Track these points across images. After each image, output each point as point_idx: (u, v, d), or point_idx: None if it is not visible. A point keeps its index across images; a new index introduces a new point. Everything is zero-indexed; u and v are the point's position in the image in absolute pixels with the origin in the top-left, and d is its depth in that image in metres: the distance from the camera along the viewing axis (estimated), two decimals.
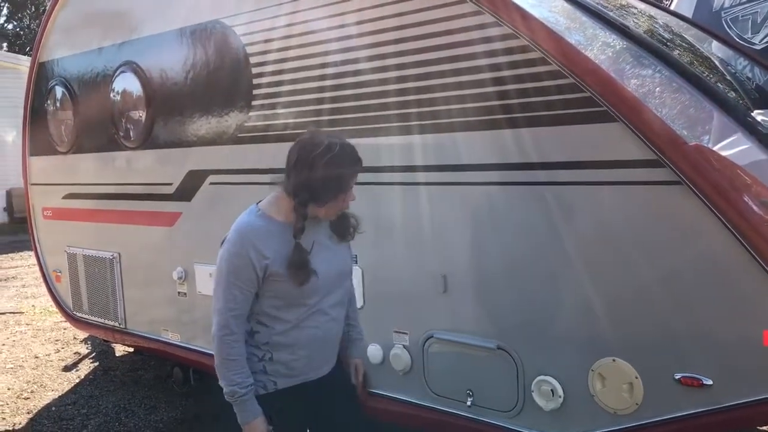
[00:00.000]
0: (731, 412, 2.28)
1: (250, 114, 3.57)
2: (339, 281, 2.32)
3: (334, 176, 2.12)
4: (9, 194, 15.67)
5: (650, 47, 2.82)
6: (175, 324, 4.26)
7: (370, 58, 3.03)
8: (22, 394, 5.09)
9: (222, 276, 2.17)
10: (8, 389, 5.21)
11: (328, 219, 2.26)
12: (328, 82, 3.19)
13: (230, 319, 2.16)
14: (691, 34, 3.72)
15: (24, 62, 14.68)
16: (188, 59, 3.88)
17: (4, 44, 28.65)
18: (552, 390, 2.65)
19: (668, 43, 3.19)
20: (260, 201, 2.27)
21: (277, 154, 3.44)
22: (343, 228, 2.31)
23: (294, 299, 2.20)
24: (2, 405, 4.89)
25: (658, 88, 2.60)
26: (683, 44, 3.42)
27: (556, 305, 2.64)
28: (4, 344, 6.43)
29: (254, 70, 3.51)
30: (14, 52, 23.93)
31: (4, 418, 4.66)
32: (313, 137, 2.19)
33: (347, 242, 2.35)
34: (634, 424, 2.48)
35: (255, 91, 3.53)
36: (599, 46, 2.71)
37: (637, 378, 2.45)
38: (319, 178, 2.11)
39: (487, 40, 2.68)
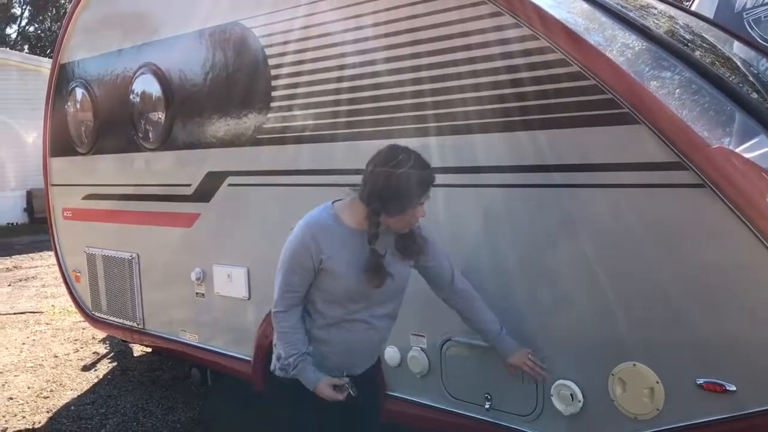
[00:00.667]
0: (754, 419, 2.24)
1: (269, 115, 3.58)
2: (390, 295, 2.41)
3: (402, 190, 2.24)
4: (30, 195, 15.84)
5: (671, 48, 2.79)
6: (193, 325, 4.28)
7: (388, 60, 3.02)
8: (41, 393, 5.13)
9: (284, 259, 2.35)
10: (28, 388, 5.25)
11: (398, 231, 2.34)
12: (345, 84, 3.18)
13: (283, 299, 2.36)
14: (712, 35, 3.68)
15: (45, 64, 14.86)
16: (207, 61, 3.90)
17: (26, 46, 28.98)
18: (571, 394, 2.63)
19: (689, 44, 3.16)
20: (337, 200, 2.40)
21: (296, 156, 3.49)
22: (406, 246, 2.39)
23: (338, 298, 2.33)
24: (22, 404, 4.94)
25: (679, 90, 2.57)
26: (704, 45, 3.38)
27: (576, 308, 2.62)
28: (24, 343, 6.49)
29: (273, 72, 3.52)
30: (36, 54, 24.19)
31: (24, 417, 4.70)
32: (391, 150, 2.31)
33: (409, 260, 2.43)
34: (654, 430, 2.45)
35: (273, 93, 3.53)
36: (620, 48, 2.68)
37: (658, 383, 2.42)
38: (389, 191, 2.23)
39: (506, 41, 2.66)
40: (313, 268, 2.30)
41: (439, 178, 2.88)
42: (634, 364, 2.47)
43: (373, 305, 2.37)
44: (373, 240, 2.28)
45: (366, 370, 2.51)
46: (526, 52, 2.60)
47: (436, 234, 2.62)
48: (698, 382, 2.33)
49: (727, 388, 2.27)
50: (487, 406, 2.86)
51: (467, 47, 2.75)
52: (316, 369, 2.35)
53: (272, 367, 2.48)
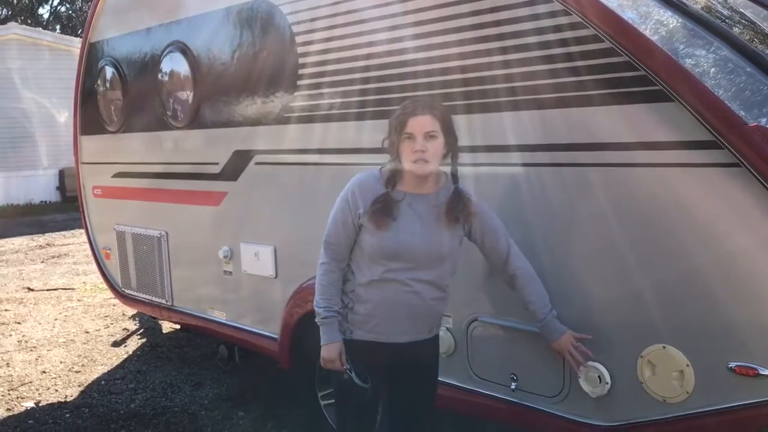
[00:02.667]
0: None
1: (296, 94, 3.56)
2: (429, 261, 2.45)
3: (391, 122, 2.43)
4: (62, 173, 16.10)
5: (708, 25, 2.71)
6: (220, 302, 4.31)
7: (416, 37, 2.98)
8: (73, 368, 5.24)
9: (331, 213, 2.52)
10: (60, 362, 5.36)
11: (414, 173, 2.40)
12: (373, 61, 3.15)
13: (326, 248, 2.52)
14: (751, 11, 3.58)
15: (77, 44, 14.98)
16: (234, 39, 3.89)
17: (58, 26, 29.26)
18: (599, 376, 2.59)
19: (727, 21, 3.07)
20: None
21: (323, 135, 3.47)
22: (450, 209, 2.46)
23: (373, 254, 2.42)
24: (55, 377, 5.05)
25: (715, 67, 2.50)
26: (743, 22, 3.28)
27: (605, 289, 2.58)
28: (56, 319, 6.62)
29: (300, 50, 3.50)
30: (67, 34, 24.43)
31: (56, 390, 4.80)
32: None
33: (456, 225, 2.49)
34: (684, 413, 2.41)
35: (301, 71, 3.51)
36: (654, 24, 2.61)
37: (688, 366, 2.38)
38: (388, 129, 2.45)
39: (537, 17, 2.61)
40: (353, 223, 2.45)
41: (468, 158, 2.87)
42: (664, 347, 2.43)
43: (413, 268, 2.42)
44: (390, 182, 2.42)
45: (413, 342, 2.53)
46: (557, 28, 2.55)
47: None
48: (730, 366, 2.28)
49: (761, 372, 2.22)
50: (513, 387, 2.84)
51: (497, 23, 2.70)
52: (338, 331, 2.50)
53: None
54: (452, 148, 2.46)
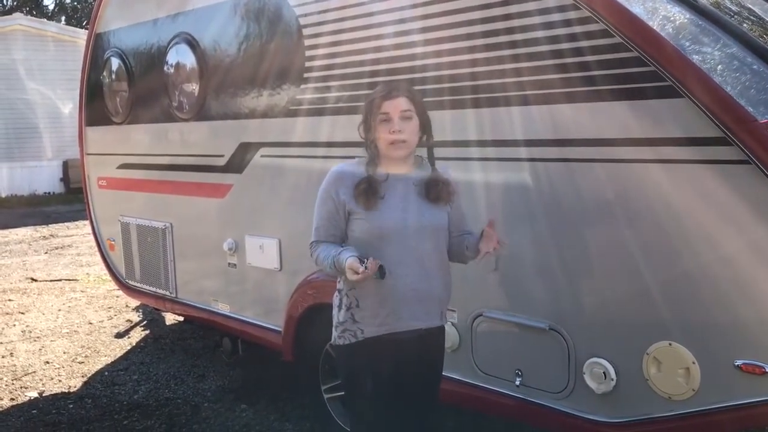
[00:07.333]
0: None
1: (303, 87, 3.55)
2: (422, 236, 2.41)
3: (366, 106, 2.44)
4: (66, 165, 16.12)
5: (717, 20, 2.70)
6: (224, 295, 4.31)
7: (425, 30, 2.97)
8: (76, 359, 5.25)
9: (315, 212, 2.50)
10: (64, 353, 5.37)
11: (392, 156, 2.41)
12: (382, 54, 3.14)
13: (314, 241, 2.49)
14: (759, 8, 3.56)
15: (82, 35, 15.01)
16: (241, 30, 3.88)
17: (63, 17, 29.25)
18: (604, 372, 2.59)
19: (736, 16, 3.05)
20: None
21: (330, 128, 3.46)
22: (430, 189, 2.44)
23: (368, 239, 2.37)
24: (58, 368, 5.05)
25: (724, 63, 2.49)
26: (752, 17, 3.27)
27: (612, 286, 2.57)
28: (60, 310, 6.63)
29: (307, 42, 3.49)
30: (72, 25, 24.41)
31: (60, 380, 4.81)
32: None
33: (441, 204, 2.46)
34: (689, 411, 2.41)
35: (308, 64, 3.50)
36: (662, 19, 2.60)
37: (694, 363, 2.37)
38: (363, 114, 2.45)
39: (546, 11, 2.60)
40: (337, 211, 2.42)
41: (476, 152, 2.86)
42: (670, 344, 2.42)
43: (403, 245, 2.36)
44: (370, 167, 2.42)
45: (426, 329, 2.47)
46: (567, 23, 2.54)
47: (472, 206, 2.60)
48: (736, 364, 2.28)
49: (767, 370, 2.22)
50: (517, 383, 2.84)
51: (507, 17, 2.69)
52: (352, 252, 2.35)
53: (332, 338, 2.53)
54: (427, 130, 2.47)
